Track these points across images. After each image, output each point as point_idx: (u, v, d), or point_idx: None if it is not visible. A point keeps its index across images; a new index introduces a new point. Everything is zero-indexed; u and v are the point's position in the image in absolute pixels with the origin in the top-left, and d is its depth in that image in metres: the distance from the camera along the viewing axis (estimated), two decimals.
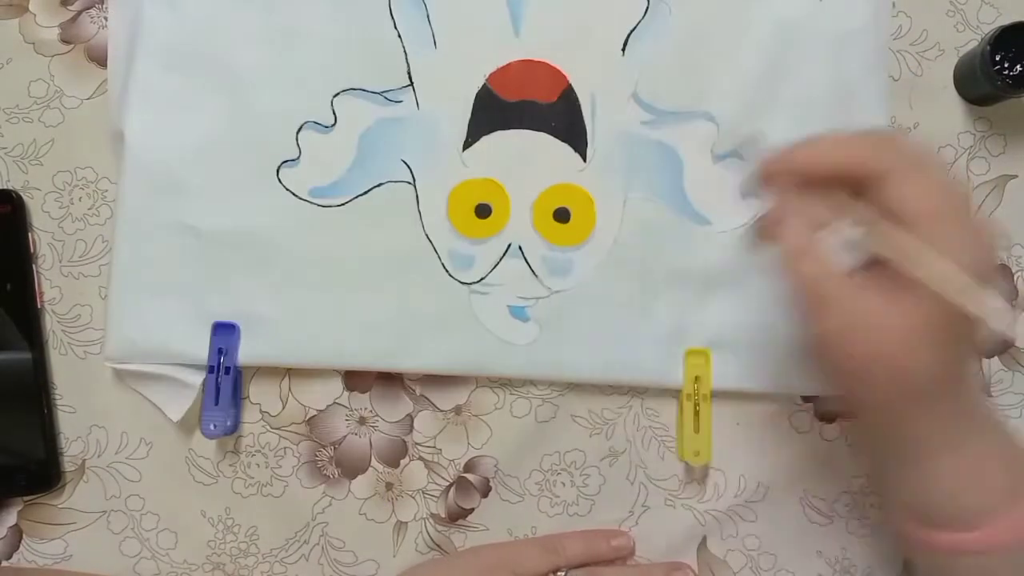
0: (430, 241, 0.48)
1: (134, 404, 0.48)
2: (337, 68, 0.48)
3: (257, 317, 0.47)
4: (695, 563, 0.49)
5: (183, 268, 0.47)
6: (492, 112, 0.48)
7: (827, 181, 0.37)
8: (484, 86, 0.48)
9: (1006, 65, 0.47)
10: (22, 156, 0.49)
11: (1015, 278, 0.50)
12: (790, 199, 0.37)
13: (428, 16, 0.48)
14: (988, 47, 0.46)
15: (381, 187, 0.48)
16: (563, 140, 0.48)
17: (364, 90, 0.48)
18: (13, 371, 0.48)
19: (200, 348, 0.47)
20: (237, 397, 0.48)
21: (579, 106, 0.48)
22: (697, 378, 0.47)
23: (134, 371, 0.47)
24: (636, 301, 0.48)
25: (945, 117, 0.51)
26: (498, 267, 0.48)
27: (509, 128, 0.48)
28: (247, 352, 0.47)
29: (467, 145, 0.48)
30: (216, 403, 0.47)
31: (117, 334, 0.47)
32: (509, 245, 0.48)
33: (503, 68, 0.48)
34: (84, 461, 0.48)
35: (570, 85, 0.48)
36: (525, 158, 0.48)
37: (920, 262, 0.34)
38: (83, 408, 0.48)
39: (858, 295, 0.35)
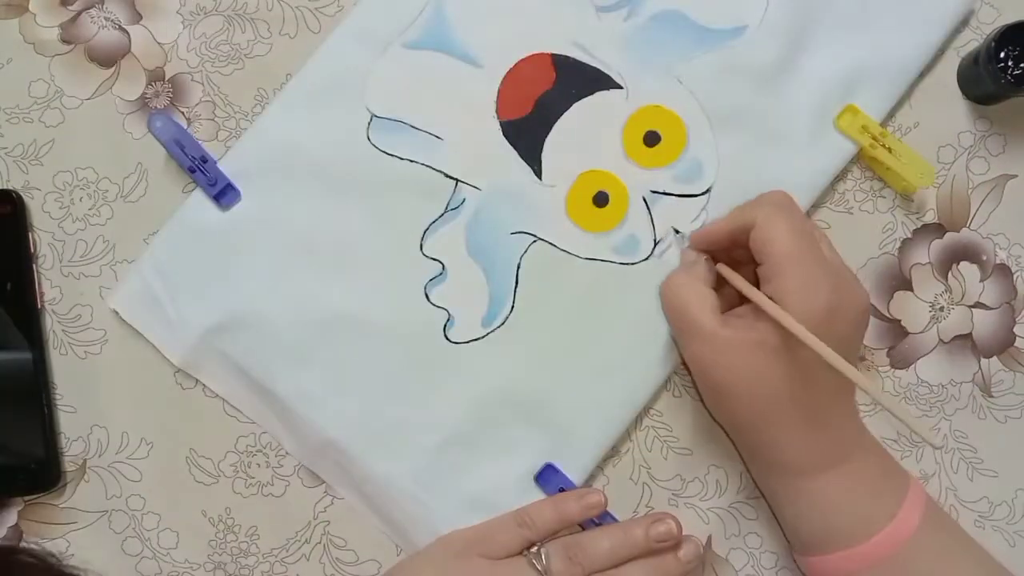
0: (592, 259, 0.47)
1: (134, 404, 0.47)
2: (402, 225, 0.47)
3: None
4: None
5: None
6: (526, 132, 0.47)
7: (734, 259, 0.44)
8: (500, 123, 0.47)
9: (1010, 63, 0.46)
10: (22, 156, 0.48)
11: (1014, 278, 0.49)
12: (692, 255, 0.45)
13: (411, 126, 0.47)
14: (992, 44, 0.45)
15: (521, 266, 0.47)
16: (594, 91, 0.47)
17: (434, 221, 0.47)
18: (13, 371, 0.46)
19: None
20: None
21: (575, 58, 0.48)
22: (863, 127, 0.47)
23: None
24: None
25: (945, 117, 0.49)
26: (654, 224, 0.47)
27: (549, 128, 0.47)
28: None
29: (538, 172, 0.47)
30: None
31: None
32: (643, 198, 0.47)
33: (500, 96, 0.47)
34: (85, 461, 0.47)
35: (553, 54, 0.48)
36: (587, 131, 0.47)
37: (753, 295, 0.41)
38: (83, 408, 0.47)
39: (719, 327, 0.40)
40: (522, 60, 0.48)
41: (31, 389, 0.46)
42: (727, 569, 0.47)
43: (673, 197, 0.47)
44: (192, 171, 0.46)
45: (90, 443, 0.47)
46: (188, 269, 0.46)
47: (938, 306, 0.49)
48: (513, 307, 0.47)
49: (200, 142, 0.47)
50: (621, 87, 0.48)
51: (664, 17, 0.48)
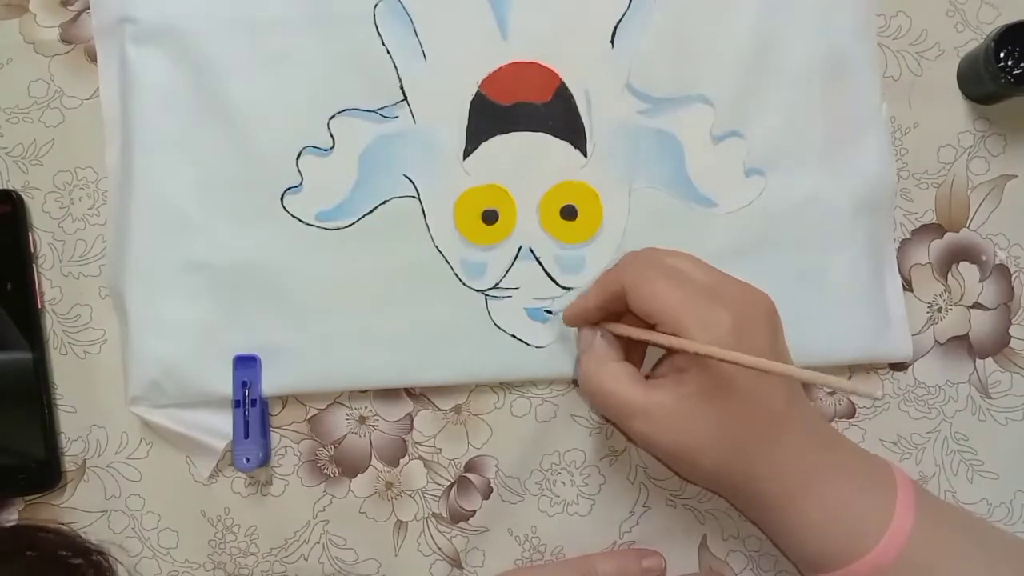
0: (441, 253, 0.45)
1: None
2: (330, 90, 0.45)
3: (277, 347, 0.44)
4: (696, 564, 0.46)
5: (198, 305, 0.44)
6: (489, 118, 0.46)
7: (615, 314, 0.41)
8: (478, 93, 0.46)
9: (1009, 63, 0.45)
10: (22, 156, 0.47)
11: (1013, 278, 0.47)
12: (588, 336, 0.42)
13: (415, 29, 0.45)
14: (992, 44, 0.44)
15: (386, 204, 0.45)
16: (562, 138, 0.46)
17: (359, 109, 0.45)
18: (13, 371, 0.45)
19: (223, 383, 0.44)
20: (266, 427, 0.45)
21: (574, 102, 0.46)
22: None
23: (158, 425, 0.45)
24: None
25: (945, 117, 0.48)
26: (511, 271, 0.45)
27: (507, 132, 0.46)
28: (271, 382, 0.44)
29: (467, 153, 0.45)
30: (246, 436, 0.44)
31: (139, 377, 0.44)
32: (520, 248, 0.45)
33: (495, 73, 0.46)
34: (84, 461, 0.46)
35: (563, 83, 0.46)
36: (526, 160, 0.45)
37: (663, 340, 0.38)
38: (83, 408, 0.46)
39: (649, 396, 0.38)
40: (537, 63, 0.46)
41: (31, 389, 0.45)
42: (726, 571, 0.46)
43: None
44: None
45: (90, 443, 0.46)
46: None
47: (936, 307, 0.47)
48: None
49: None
50: (586, 156, 0.46)
51: (666, 144, 0.46)
